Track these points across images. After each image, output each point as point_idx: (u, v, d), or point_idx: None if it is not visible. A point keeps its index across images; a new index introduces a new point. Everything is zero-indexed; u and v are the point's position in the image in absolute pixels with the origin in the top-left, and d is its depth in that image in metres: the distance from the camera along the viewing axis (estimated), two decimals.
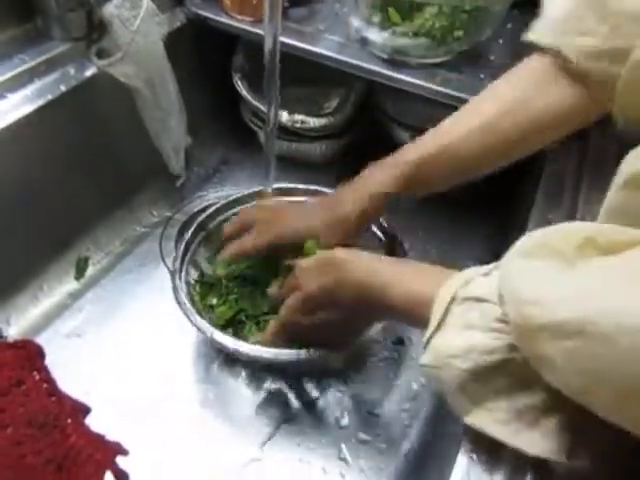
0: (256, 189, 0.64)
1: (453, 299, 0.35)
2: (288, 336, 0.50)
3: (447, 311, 0.35)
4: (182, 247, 0.60)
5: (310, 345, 0.49)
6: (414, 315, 0.39)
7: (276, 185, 0.63)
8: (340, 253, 0.45)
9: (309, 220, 0.54)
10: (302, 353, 0.49)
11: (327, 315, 0.46)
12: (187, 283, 0.58)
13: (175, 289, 0.55)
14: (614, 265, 0.27)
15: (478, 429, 0.35)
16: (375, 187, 0.51)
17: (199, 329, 0.52)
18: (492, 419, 0.34)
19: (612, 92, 0.44)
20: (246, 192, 0.65)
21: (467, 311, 0.34)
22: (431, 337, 0.36)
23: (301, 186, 0.65)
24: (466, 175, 0.52)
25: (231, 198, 0.64)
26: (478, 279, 0.35)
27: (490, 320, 0.33)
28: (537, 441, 0.33)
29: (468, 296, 0.35)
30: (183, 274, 0.58)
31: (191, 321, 0.52)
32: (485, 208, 0.74)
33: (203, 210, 0.65)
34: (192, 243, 0.61)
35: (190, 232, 0.62)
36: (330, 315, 0.46)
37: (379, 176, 0.51)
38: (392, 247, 0.60)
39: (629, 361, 0.25)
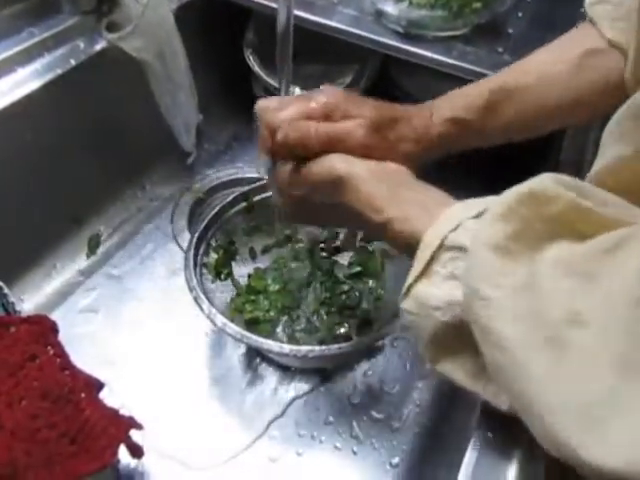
0: None
1: (441, 245, 0.34)
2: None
3: (433, 258, 0.34)
4: (215, 211, 0.59)
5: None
6: (412, 255, 0.37)
7: None
8: (343, 175, 0.40)
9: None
10: (315, 350, 0.49)
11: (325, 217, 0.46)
12: (203, 264, 0.58)
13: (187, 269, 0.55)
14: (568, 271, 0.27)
15: (446, 376, 0.35)
16: (441, 111, 0.45)
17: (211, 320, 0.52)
18: (462, 369, 0.34)
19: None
20: None
21: (453, 260, 0.33)
22: (414, 283, 0.35)
23: None
24: (535, 123, 0.48)
25: None
26: (468, 224, 0.33)
27: None
28: (503, 395, 0.33)
29: (456, 244, 0.33)
30: (200, 252, 0.57)
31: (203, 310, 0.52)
32: (504, 185, 0.73)
33: (246, 182, 0.64)
34: (228, 210, 0.60)
35: (230, 199, 0.60)
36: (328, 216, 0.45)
37: (446, 102, 0.46)
38: None
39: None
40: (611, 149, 0.35)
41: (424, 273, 0.34)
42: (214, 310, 0.51)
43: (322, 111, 0.42)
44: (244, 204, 0.62)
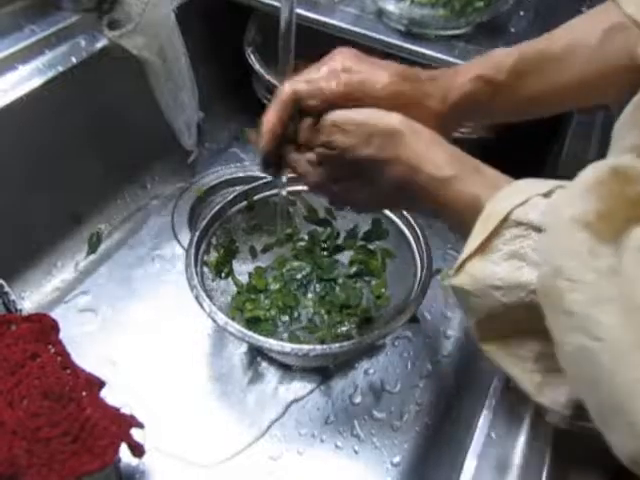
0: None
1: (506, 219, 0.30)
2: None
3: (495, 233, 0.31)
4: (216, 210, 0.59)
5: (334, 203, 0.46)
6: (464, 223, 0.34)
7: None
8: (401, 127, 0.37)
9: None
10: (316, 349, 0.49)
11: (361, 186, 0.40)
12: (204, 263, 0.57)
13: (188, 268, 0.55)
14: None
15: (491, 359, 0.33)
16: (468, 71, 0.43)
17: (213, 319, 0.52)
18: (512, 355, 0.32)
19: None
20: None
21: (519, 238, 0.30)
22: (469, 258, 0.32)
23: None
24: (551, 99, 0.46)
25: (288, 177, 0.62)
26: (537, 200, 0.30)
27: None
28: (545, 388, 0.31)
29: (523, 220, 0.30)
30: (201, 251, 0.57)
31: (204, 309, 0.52)
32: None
33: (247, 181, 0.64)
34: (228, 209, 0.60)
35: (230, 198, 0.60)
36: (365, 187, 0.40)
37: (472, 64, 0.44)
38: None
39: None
40: (625, 140, 0.34)
41: (483, 248, 0.31)
42: (215, 309, 0.51)
43: (340, 70, 0.40)
44: (245, 203, 0.62)
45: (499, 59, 0.44)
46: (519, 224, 0.30)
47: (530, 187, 0.32)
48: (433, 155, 0.36)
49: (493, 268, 0.31)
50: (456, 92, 0.43)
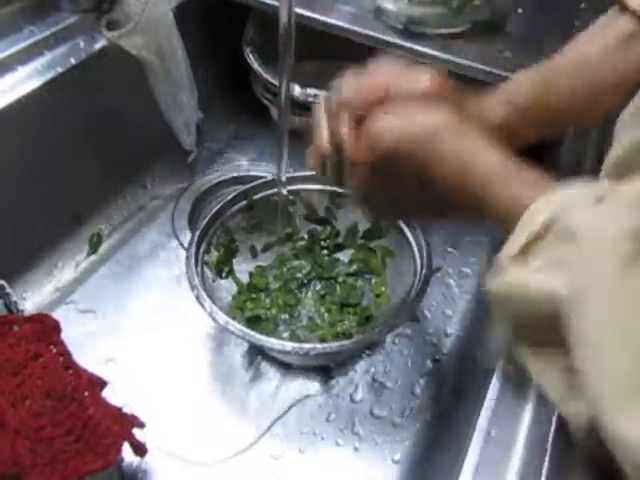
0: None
1: (547, 227, 0.29)
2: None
3: (535, 239, 0.29)
4: (216, 209, 0.59)
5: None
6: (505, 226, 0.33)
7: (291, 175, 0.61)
8: (443, 123, 0.37)
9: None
10: (316, 348, 0.49)
11: (409, 191, 0.40)
12: (204, 262, 0.58)
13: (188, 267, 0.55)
14: None
15: (521, 364, 0.33)
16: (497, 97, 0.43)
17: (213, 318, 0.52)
18: (538, 361, 0.32)
19: None
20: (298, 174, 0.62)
21: (558, 246, 0.29)
22: (508, 263, 0.31)
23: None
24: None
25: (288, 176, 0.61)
26: (580, 206, 0.29)
27: None
28: (570, 400, 0.30)
29: (563, 227, 0.28)
30: (201, 250, 0.57)
31: (204, 308, 0.52)
32: None
33: (247, 180, 0.64)
34: (228, 208, 0.60)
35: (230, 197, 0.61)
36: (411, 195, 0.40)
37: (497, 92, 0.44)
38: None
39: None
40: (627, 135, 0.34)
41: (523, 253, 0.30)
42: (216, 308, 0.51)
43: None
44: (245, 202, 0.62)
45: (518, 85, 0.44)
46: (558, 232, 0.29)
47: (575, 192, 0.30)
48: (480, 153, 0.36)
49: (528, 276, 0.30)
50: (488, 122, 0.42)
